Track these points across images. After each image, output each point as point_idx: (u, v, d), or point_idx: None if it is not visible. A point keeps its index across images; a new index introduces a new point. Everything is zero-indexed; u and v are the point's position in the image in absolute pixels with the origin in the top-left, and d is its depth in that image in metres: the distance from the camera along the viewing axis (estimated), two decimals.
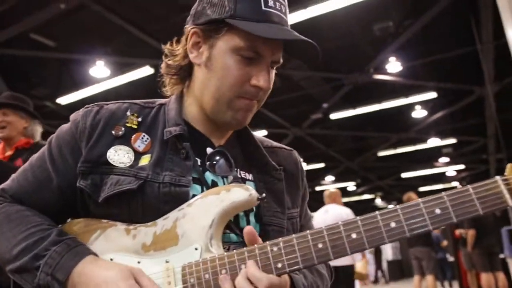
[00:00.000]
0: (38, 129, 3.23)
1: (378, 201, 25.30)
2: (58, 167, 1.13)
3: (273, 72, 1.14)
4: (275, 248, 0.91)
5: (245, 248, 0.94)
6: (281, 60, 1.13)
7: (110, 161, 1.09)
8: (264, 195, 1.00)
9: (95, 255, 1.05)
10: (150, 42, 7.68)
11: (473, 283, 9.28)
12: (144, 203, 1.05)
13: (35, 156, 1.20)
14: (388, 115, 13.83)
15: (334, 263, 4.65)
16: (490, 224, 8.16)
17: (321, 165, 18.27)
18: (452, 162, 17.96)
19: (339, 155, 17.19)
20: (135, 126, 1.15)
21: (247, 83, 1.09)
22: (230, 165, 1.15)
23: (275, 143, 1.34)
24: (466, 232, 8.30)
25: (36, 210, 1.14)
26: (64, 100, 9.65)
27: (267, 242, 0.93)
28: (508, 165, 0.80)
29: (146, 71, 8.71)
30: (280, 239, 0.92)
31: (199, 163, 1.14)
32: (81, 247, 1.06)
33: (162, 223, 1.04)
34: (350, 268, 6.15)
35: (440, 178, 20.76)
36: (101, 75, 8.70)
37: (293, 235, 0.91)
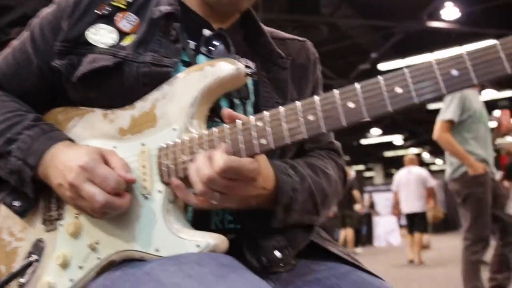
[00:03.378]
0: None
1: (426, 155, 24.44)
2: (38, 47, 1.04)
3: None
4: (259, 123, 0.77)
5: (225, 125, 0.81)
6: None
7: (90, 41, 0.98)
8: (254, 70, 0.86)
9: (71, 140, 0.96)
10: None
11: None
12: (123, 84, 0.95)
13: (16, 40, 1.11)
14: None
15: (411, 209, 5.88)
16: None
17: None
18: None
19: None
20: (123, 6, 1.02)
21: None
22: (229, 50, 1.02)
23: (287, 35, 1.21)
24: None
25: (16, 96, 1.06)
26: None
27: (251, 117, 0.79)
28: None
29: None
30: (266, 112, 0.78)
31: (192, 46, 1.02)
32: (56, 132, 0.97)
33: (141, 105, 0.93)
34: (424, 214, 8.01)
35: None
36: None
37: (281, 107, 0.77)
